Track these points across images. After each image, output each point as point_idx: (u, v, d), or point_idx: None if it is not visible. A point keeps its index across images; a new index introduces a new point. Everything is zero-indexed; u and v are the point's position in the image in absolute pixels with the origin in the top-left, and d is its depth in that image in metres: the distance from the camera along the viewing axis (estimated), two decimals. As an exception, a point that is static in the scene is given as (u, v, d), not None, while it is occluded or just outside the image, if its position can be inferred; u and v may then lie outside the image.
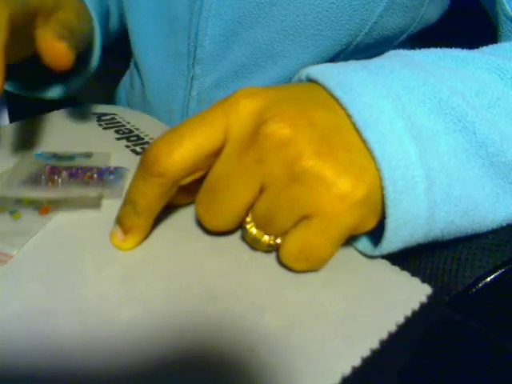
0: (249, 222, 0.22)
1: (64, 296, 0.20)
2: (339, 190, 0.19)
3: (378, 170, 0.19)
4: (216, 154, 0.21)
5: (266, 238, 0.21)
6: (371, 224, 0.21)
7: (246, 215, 0.22)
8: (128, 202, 0.22)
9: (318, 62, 0.38)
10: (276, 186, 0.20)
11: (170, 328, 0.19)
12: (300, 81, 0.24)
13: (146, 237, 0.24)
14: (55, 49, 0.27)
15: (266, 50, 0.38)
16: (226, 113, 0.21)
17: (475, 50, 0.25)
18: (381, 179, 0.19)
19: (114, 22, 0.48)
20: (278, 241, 0.21)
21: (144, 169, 0.21)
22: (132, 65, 0.51)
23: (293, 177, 0.19)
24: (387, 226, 0.20)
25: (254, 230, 0.22)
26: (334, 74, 0.22)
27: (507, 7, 0.31)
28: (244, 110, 0.20)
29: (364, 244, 0.23)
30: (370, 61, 0.23)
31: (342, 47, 0.37)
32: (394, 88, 0.21)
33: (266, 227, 0.21)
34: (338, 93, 0.21)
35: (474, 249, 0.25)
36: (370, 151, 0.20)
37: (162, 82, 0.45)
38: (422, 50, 0.24)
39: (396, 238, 0.21)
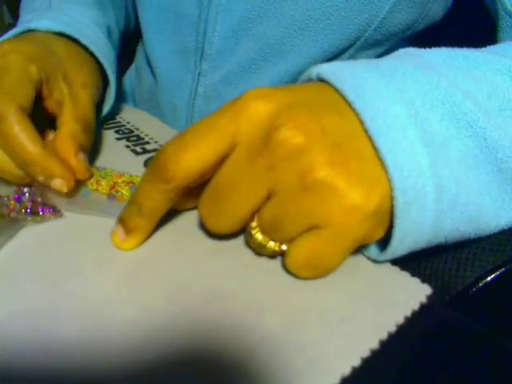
0: (254, 228, 0.21)
1: (64, 296, 0.20)
2: (351, 201, 0.19)
3: (389, 180, 0.19)
4: (224, 159, 0.21)
5: (271, 243, 0.21)
6: (379, 235, 0.21)
7: (251, 220, 0.21)
8: (133, 202, 0.22)
9: (326, 57, 0.38)
10: (286, 193, 0.19)
11: (169, 328, 0.19)
12: (310, 79, 0.23)
13: (147, 238, 0.24)
14: (72, 165, 0.28)
15: (275, 45, 0.38)
16: (236, 116, 0.20)
17: (483, 49, 0.25)
18: (392, 189, 0.19)
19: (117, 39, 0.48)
20: (284, 247, 0.21)
21: (152, 173, 0.21)
22: (140, 59, 0.51)
23: (304, 186, 0.19)
24: (393, 236, 0.20)
25: (259, 236, 0.21)
26: (346, 75, 0.21)
27: (506, 2, 0.31)
28: (254, 113, 0.20)
29: (369, 249, 0.23)
30: (381, 61, 0.23)
31: (350, 42, 0.37)
32: (406, 91, 0.20)
33: (272, 233, 0.21)
34: (351, 97, 0.20)
35: (475, 248, 0.25)
36: (381, 160, 0.19)
37: (168, 79, 0.45)
38: (433, 48, 0.24)
39: (401, 246, 0.21)
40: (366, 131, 0.20)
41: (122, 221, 0.23)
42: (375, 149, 0.19)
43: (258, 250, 0.22)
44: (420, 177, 0.19)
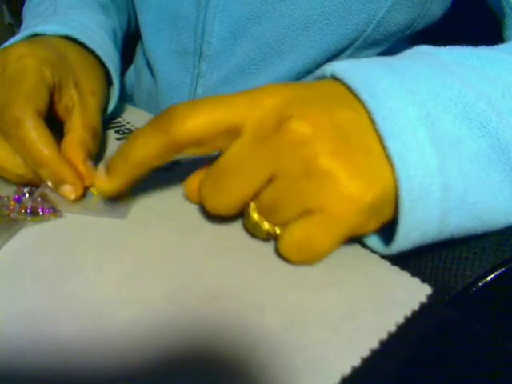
0: (252, 208, 0.22)
1: (64, 296, 0.20)
2: (349, 191, 0.19)
3: (395, 178, 0.19)
4: (226, 136, 0.21)
5: (266, 225, 0.22)
6: (372, 227, 0.21)
7: (251, 200, 0.22)
8: (124, 148, 0.22)
9: (325, 57, 0.38)
10: (288, 178, 0.20)
11: (169, 328, 0.19)
12: (323, 77, 0.24)
13: (127, 188, 0.24)
14: (80, 171, 0.28)
15: (274, 45, 0.38)
16: (250, 103, 0.21)
17: (495, 47, 0.25)
18: (396, 188, 0.20)
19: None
20: (277, 230, 0.22)
21: (155, 123, 0.21)
22: (140, 60, 0.51)
23: (306, 173, 0.20)
24: (398, 232, 0.20)
25: (256, 216, 0.22)
26: (359, 74, 0.21)
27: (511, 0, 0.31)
28: (268, 105, 0.21)
29: (374, 242, 0.24)
30: (395, 59, 0.23)
31: (349, 42, 0.37)
32: (419, 93, 0.21)
33: (269, 215, 0.22)
34: (364, 96, 0.20)
35: (475, 248, 0.25)
36: (389, 158, 0.20)
37: (167, 80, 0.45)
38: (447, 47, 0.24)
39: (406, 241, 0.21)
40: (376, 131, 0.20)
41: (108, 161, 0.23)
42: (384, 148, 0.20)
43: (253, 231, 0.23)
44: (427, 176, 0.19)
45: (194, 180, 0.24)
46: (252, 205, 0.22)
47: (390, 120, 0.20)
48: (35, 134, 0.26)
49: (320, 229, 0.20)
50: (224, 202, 0.22)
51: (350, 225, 0.20)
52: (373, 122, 0.20)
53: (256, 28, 0.37)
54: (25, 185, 0.28)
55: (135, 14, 0.47)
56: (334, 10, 0.35)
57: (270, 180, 0.21)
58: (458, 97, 0.21)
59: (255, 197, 0.21)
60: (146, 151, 0.22)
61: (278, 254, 0.22)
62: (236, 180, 0.21)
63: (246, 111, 0.21)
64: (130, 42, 0.52)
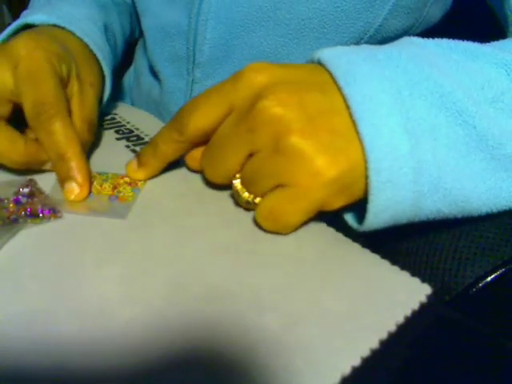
0: (237, 178, 0.25)
1: (64, 296, 0.20)
2: (314, 167, 0.21)
3: (365, 160, 0.21)
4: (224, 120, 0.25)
5: (246, 194, 0.25)
6: (338, 203, 0.23)
7: (238, 172, 0.25)
8: (152, 143, 0.27)
9: None
10: (262, 153, 0.23)
11: (169, 328, 0.19)
12: (312, 61, 0.26)
13: (153, 176, 0.29)
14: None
15: (270, 53, 0.38)
16: (235, 83, 0.24)
17: (487, 43, 0.25)
18: (366, 169, 0.21)
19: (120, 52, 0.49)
20: (256, 200, 0.24)
21: (171, 124, 0.26)
22: (139, 62, 0.51)
23: (277, 149, 0.22)
24: (368, 210, 0.22)
25: (238, 185, 0.25)
26: (341, 62, 0.23)
27: None
28: (248, 83, 0.23)
29: (350, 219, 0.25)
30: (381, 48, 0.24)
31: None
32: (396, 82, 0.22)
33: (249, 185, 0.24)
34: (341, 82, 0.22)
35: (475, 248, 0.25)
36: (360, 141, 0.21)
37: (164, 85, 0.45)
38: (437, 39, 0.24)
39: (377, 220, 0.22)
40: (351, 115, 0.21)
41: (138, 155, 0.29)
42: (356, 132, 0.21)
43: (236, 198, 0.26)
44: (397, 160, 0.21)
45: (197, 152, 0.27)
46: (237, 176, 0.25)
47: (363, 105, 0.21)
48: (65, 132, 0.28)
49: (289, 201, 0.23)
50: (216, 172, 0.25)
51: (317, 198, 0.22)
52: (348, 107, 0.22)
53: (251, 36, 0.37)
54: (25, 186, 0.28)
55: (139, 19, 0.47)
56: (331, 19, 0.35)
57: (251, 154, 0.23)
58: (434, 86, 0.22)
59: (242, 169, 0.24)
60: (168, 147, 0.27)
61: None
62: (222, 155, 0.24)
63: (233, 94, 0.24)
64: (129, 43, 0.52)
